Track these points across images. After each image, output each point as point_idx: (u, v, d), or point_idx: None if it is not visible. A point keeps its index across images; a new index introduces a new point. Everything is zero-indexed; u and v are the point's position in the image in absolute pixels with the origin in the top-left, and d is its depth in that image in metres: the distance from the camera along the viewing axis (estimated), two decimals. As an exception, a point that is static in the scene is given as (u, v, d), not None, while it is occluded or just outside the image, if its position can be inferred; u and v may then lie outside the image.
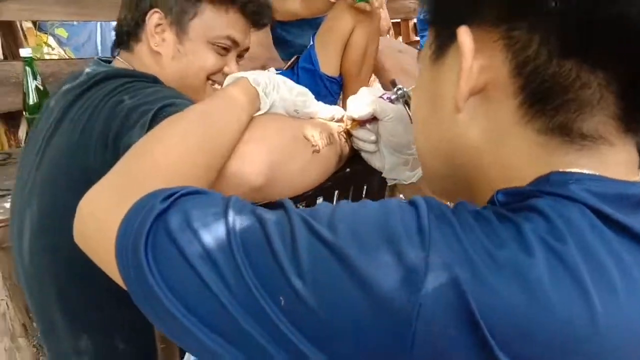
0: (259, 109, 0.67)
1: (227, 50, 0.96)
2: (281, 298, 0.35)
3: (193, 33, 0.91)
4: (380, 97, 0.72)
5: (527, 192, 0.40)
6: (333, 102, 2.04)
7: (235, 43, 0.96)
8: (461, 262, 0.34)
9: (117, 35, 0.94)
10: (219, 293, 0.37)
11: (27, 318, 1.43)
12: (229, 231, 0.39)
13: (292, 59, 2.03)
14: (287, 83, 0.73)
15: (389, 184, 0.81)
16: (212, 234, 0.39)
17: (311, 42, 1.95)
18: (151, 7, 0.89)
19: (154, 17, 0.89)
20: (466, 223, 0.37)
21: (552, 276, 0.33)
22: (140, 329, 0.81)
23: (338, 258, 0.35)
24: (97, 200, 0.49)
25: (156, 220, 0.40)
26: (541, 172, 0.40)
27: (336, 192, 0.84)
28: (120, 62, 0.93)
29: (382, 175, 0.77)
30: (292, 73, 1.98)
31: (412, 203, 0.39)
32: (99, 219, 0.47)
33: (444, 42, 0.45)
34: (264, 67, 2.07)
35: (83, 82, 0.83)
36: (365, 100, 0.72)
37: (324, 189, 0.78)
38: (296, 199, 0.73)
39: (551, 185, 0.39)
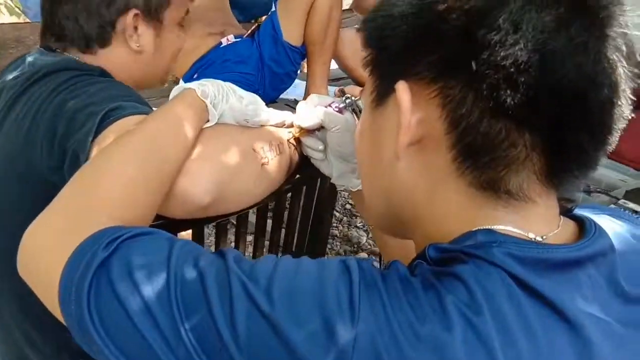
0: (207, 121, 0.66)
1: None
2: None
3: (166, 21, 0.89)
4: (329, 105, 0.72)
5: (455, 251, 0.42)
6: (295, 72, 2.01)
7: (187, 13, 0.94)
8: (386, 338, 0.35)
9: (57, 37, 0.86)
10: (159, 350, 0.38)
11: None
12: (170, 286, 0.39)
13: (253, 27, 1.97)
14: (237, 92, 0.71)
15: (338, 189, 0.82)
16: (152, 287, 0.39)
17: (273, 8, 1.89)
18: (127, 9, 0.84)
19: (130, 18, 0.84)
20: (394, 293, 0.38)
21: (467, 351, 0.35)
22: None
23: (274, 332, 0.36)
24: (41, 236, 0.49)
25: (98, 269, 0.41)
26: (470, 225, 0.42)
27: (289, 195, 0.85)
28: (67, 54, 0.88)
29: (331, 181, 0.78)
30: (252, 41, 1.93)
31: (347, 268, 0.40)
32: (42, 258, 0.47)
33: (384, 92, 0.46)
34: (222, 34, 2.02)
35: (27, 77, 0.79)
36: (313, 109, 0.72)
37: (277, 194, 0.79)
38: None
39: (477, 247, 0.41)
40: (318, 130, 0.74)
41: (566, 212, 0.47)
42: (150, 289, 0.39)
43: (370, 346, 0.35)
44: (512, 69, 0.37)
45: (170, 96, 0.67)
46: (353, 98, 0.72)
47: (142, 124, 0.60)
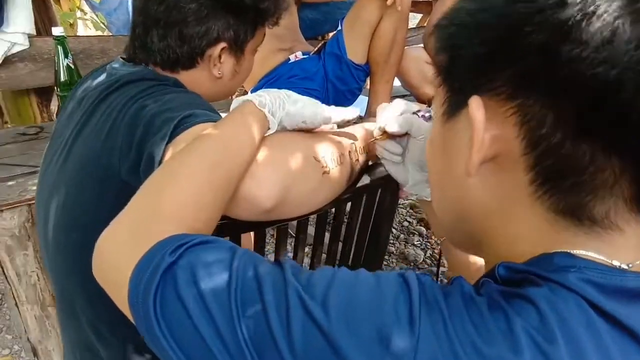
0: (268, 129, 0.69)
1: None
2: None
3: (246, 50, 0.97)
4: (415, 113, 0.72)
5: (528, 272, 0.39)
6: (359, 89, 2.03)
7: None
8: (448, 357, 0.34)
9: (143, 53, 0.92)
10: (218, 355, 0.39)
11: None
12: (230, 288, 0.41)
13: (319, 45, 2.01)
14: (292, 96, 0.73)
15: (409, 198, 0.81)
16: (214, 289, 0.41)
17: (339, 27, 1.92)
18: (217, 42, 0.90)
19: (219, 50, 0.91)
20: (457, 311, 0.37)
21: None
22: None
23: (331, 347, 0.36)
24: (113, 240, 0.52)
25: (164, 274, 0.43)
26: (546, 248, 0.40)
27: (349, 204, 0.86)
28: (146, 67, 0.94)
29: (405, 189, 0.78)
30: (318, 58, 1.97)
31: (406, 282, 0.39)
32: (114, 261, 0.50)
33: (455, 105, 0.44)
34: (290, 50, 2.07)
35: (107, 86, 0.85)
36: (399, 114, 0.72)
37: (337, 202, 0.80)
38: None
39: (553, 271, 0.38)
40: (401, 136, 0.74)
41: None
42: (211, 292, 0.41)
43: None
44: (600, 88, 0.33)
45: (231, 108, 0.70)
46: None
47: (210, 132, 0.63)
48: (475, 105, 0.39)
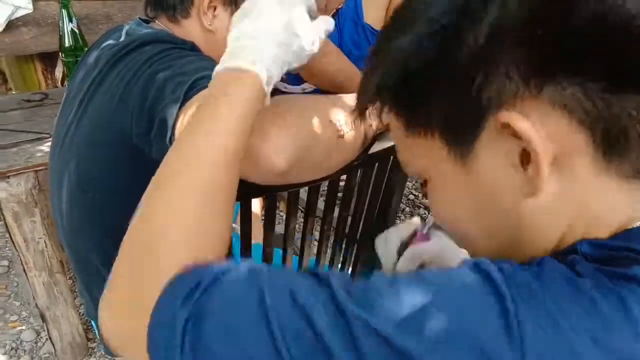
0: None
1: None
2: None
3: None
4: (412, 238, 0.65)
5: (622, 248, 0.35)
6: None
7: None
8: (565, 354, 0.30)
9: (153, 6, 0.93)
10: None
11: (64, 255, 1.52)
12: (274, 336, 0.33)
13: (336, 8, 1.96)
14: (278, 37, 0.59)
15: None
16: (255, 341, 0.33)
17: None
18: None
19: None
20: (561, 298, 0.32)
21: None
22: None
23: None
24: (115, 306, 0.43)
25: (185, 332, 0.35)
26: (627, 218, 0.37)
27: (360, 170, 0.84)
28: (161, 26, 0.92)
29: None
30: (334, 18, 1.93)
31: (487, 277, 0.33)
32: (125, 331, 0.42)
33: (466, 143, 0.39)
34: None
35: (123, 46, 0.83)
36: (404, 258, 0.64)
37: (348, 169, 0.78)
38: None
39: None
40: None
41: None
42: (253, 344, 0.33)
43: None
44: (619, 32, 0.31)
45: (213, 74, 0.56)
46: (429, 216, 0.64)
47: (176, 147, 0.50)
48: (515, 117, 0.35)
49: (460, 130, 0.38)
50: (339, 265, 1.02)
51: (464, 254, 0.61)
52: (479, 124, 0.37)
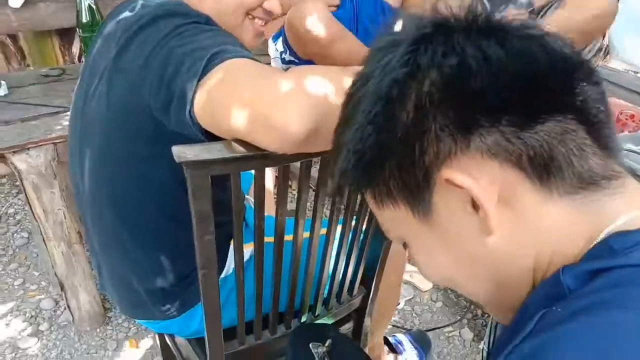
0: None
1: None
2: None
3: None
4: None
5: (595, 271, 0.38)
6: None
7: None
8: None
9: None
10: None
11: (82, 226, 1.56)
12: None
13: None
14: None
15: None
16: None
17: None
18: None
19: None
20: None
21: None
22: (186, 249, 0.87)
23: None
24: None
25: None
26: (591, 234, 0.40)
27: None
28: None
29: None
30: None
31: None
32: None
33: (424, 198, 0.44)
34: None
35: (138, 19, 0.83)
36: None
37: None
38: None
39: (615, 255, 0.38)
40: None
41: None
42: None
43: None
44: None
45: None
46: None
47: None
48: (451, 174, 0.40)
49: (416, 192, 0.44)
50: (349, 237, 1.04)
51: None
52: (428, 184, 0.42)
